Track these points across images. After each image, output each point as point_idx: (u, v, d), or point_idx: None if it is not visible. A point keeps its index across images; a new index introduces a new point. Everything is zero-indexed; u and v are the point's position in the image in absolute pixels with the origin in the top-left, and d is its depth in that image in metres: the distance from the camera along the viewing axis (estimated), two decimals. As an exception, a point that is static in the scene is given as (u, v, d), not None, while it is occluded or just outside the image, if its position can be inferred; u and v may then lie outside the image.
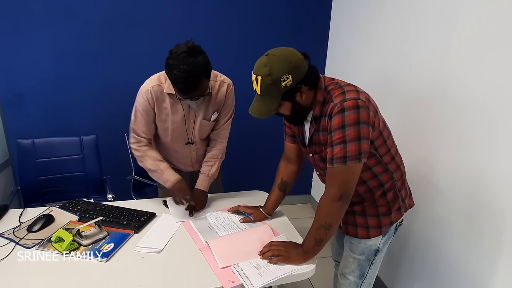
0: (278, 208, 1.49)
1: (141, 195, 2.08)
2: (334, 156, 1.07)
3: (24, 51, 2.13)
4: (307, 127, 1.21)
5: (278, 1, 2.42)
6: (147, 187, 2.12)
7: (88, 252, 1.15)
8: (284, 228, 1.38)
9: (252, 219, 1.42)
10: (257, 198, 1.60)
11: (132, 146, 1.51)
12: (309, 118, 1.17)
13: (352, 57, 2.30)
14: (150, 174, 1.52)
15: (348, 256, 1.32)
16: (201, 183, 1.55)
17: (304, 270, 1.13)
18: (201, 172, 1.57)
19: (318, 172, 1.30)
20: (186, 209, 1.44)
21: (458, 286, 1.44)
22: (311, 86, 1.10)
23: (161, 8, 2.25)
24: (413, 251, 1.72)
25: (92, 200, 1.55)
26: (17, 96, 2.18)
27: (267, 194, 1.50)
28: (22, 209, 1.43)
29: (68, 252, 1.14)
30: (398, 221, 1.26)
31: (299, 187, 2.95)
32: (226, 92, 1.50)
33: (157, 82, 1.41)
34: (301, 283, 2.09)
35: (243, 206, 1.47)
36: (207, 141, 1.62)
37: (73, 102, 2.29)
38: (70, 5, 2.11)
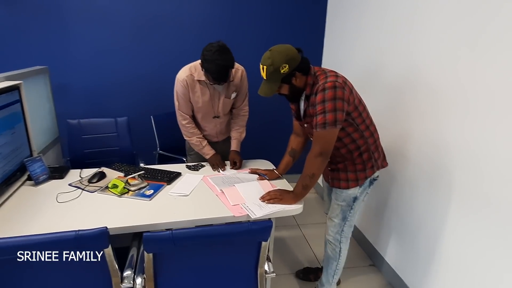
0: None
1: (165, 167, 2.50)
2: (317, 123, 1.44)
3: (68, 52, 2.58)
4: (301, 104, 1.59)
5: (284, 6, 2.81)
6: (170, 160, 2.53)
7: (135, 195, 1.57)
8: (284, 186, 1.72)
9: (268, 178, 1.79)
10: (262, 164, 2.00)
11: (183, 123, 1.97)
12: (303, 97, 1.55)
13: (343, 52, 2.67)
14: (193, 147, 2.04)
15: (334, 204, 1.70)
16: (235, 146, 2.04)
17: (294, 208, 1.52)
18: (233, 138, 2.05)
19: (311, 138, 1.69)
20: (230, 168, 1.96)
21: (421, 234, 1.81)
22: (303, 72, 1.47)
23: (179, 12, 2.66)
24: (391, 208, 2.10)
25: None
26: (64, 85, 2.63)
27: (270, 163, 1.93)
28: (80, 170, 1.86)
29: (121, 194, 1.57)
30: (372, 176, 1.63)
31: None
32: (241, 77, 1.93)
33: (189, 72, 1.84)
34: (299, 242, 2.50)
35: (261, 169, 1.85)
36: (228, 117, 2.08)
37: (108, 90, 2.74)
38: (106, 11, 2.55)
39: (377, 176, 1.67)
